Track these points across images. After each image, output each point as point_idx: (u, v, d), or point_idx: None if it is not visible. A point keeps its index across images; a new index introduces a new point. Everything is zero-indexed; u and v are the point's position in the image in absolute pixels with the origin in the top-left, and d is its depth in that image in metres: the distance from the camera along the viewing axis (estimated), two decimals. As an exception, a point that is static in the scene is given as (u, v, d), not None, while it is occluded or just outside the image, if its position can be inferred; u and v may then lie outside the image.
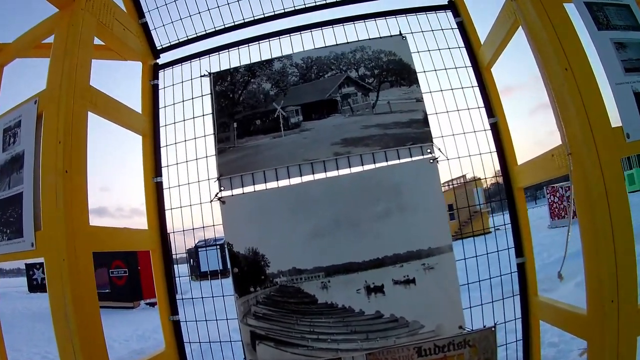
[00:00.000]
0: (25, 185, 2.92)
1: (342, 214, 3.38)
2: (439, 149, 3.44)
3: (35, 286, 30.62)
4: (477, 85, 3.72)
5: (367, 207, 3.37)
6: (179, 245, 3.63)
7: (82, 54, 3.01)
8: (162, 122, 4.03)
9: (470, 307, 3.43)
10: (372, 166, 3.46)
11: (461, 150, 3.56)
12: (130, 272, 18.05)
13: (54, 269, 2.64)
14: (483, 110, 3.69)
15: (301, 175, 3.50)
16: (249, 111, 3.69)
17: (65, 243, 2.63)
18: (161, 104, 4.07)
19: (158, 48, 4.20)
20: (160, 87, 4.12)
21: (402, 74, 3.61)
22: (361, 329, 3.28)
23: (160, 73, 4.16)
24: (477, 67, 3.73)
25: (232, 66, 3.87)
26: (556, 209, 23.19)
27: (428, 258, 3.30)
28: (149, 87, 4.11)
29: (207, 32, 4.09)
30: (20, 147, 3.03)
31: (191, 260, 22.65)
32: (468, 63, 3.75)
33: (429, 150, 3.45)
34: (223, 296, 3.60)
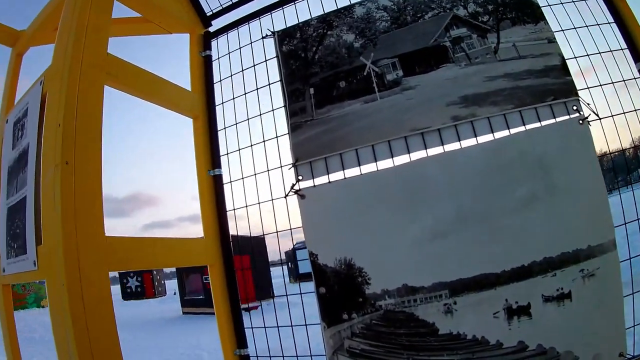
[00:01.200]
0: (28, 186, 2.26)
1: (470, 204, 2.27)
2: (588, 104, 2.32)
3: (130, 294, 31.32)
4: (613, 21, 2.56)
5: (504, 191, 2.27)
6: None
7: (96, 14, 2.25)
8: (217, 100, 3.08)
9: (634, 325, 2.32)
10: (505, 132, 2.36)
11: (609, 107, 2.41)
12: None
13: (54, 298, 1.85)
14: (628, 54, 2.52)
15: (409, 152, 2.41)
16: (328, 71, 2.65)
17: (63, 261, 1.80)
18: (215, 78, 3.13)
19: (208, 14, 3.26)
20: (213, 59, 3.18)
21: (524, 9, 2.52)
22: (501, 368, 2.17)
23: (213, 42, 3.22)
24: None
25: (300, 21, 2.86)
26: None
27: (588, 261, 2.18)
28: (199, 60, 3.16)
29: (267, -15, 3.07)
30: (25, 140, 2.36)
31: (289, 262, 22.26)
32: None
33: (575, 107, 2.33)
34: (306, 325, 2.52)
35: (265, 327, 2.66)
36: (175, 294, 24.41)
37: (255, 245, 2.78)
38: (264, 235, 2.68)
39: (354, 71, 2.59)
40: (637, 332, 2.29)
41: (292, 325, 2.54)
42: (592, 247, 2.17)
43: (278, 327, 2.60)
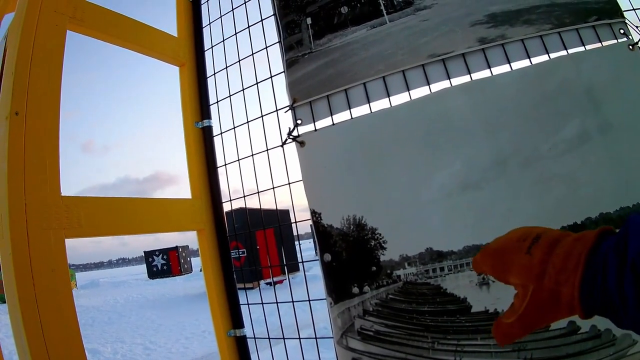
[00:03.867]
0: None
1: (507, 145, 1.74)
2: (637, 27, 1.80)
3: (155, 273, 31.61)
4: None
5: (549, 129, 1.73)
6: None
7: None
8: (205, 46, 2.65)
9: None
10: (542, 58, 1.82)
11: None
12: (248, 252, 17.29)
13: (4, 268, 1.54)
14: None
15: (428, 83, 1.88)
16: (328, -3, 2.13)
17: (8, 224, 1.48)
18: (203, 22, 2.70)
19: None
20: (202, 2, 2.73)
21: None
22: (545, 354, 1.66)
23: None
24: None
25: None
26: None
27: None
28: (186, 4, 2.71)
29: None
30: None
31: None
32: None
33: (622, 31, 1.80)
34: (309, 300, 2.06)
35: (262, 304, 2.20)
36: (201, 270, 24.37)
37: (279, 219, 2.34)
38: (259, 191, 2.21)
39: (358, -6, 2.07)
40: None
41: (292, 301, 2.08)
42: (656, 201, 1.64)
43: (277, 302, 2.14)
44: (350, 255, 1.89)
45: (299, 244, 2.59)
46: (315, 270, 2.31)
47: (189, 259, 34.00)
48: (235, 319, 2.29)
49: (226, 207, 2.41)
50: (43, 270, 1.51)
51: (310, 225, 2.04)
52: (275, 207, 2.19)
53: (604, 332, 1.61)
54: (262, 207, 2.27)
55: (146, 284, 27.03)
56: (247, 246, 16.96)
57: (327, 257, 1.93)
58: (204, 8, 2.68)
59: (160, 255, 31.58)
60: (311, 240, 2.00)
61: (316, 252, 1.98)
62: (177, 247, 31.86)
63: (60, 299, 1.55)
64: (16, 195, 1.51)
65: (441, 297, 1.76)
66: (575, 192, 1.67)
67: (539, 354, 1.65)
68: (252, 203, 2.31)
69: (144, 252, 33.27)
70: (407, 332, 1.79)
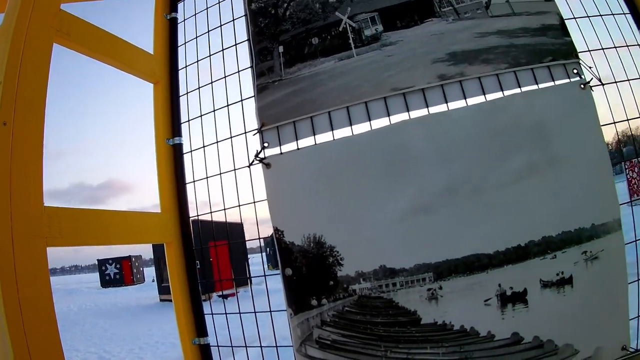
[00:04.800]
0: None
1: (459, 174, 1.95)
2: (590, 68, 2.03)
3: (108, 281, 30.92)
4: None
5: (498, 160, 1.95)
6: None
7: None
8: (180, 64, 2.74)
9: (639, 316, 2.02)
10: (497, 95, 2.04)
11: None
12: (202, 264, 17.12)
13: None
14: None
15: (389, 115, 2.07)
16: (300, 28, 2.29)
17: None
18: (179, 41, 2.79)
19: (175, -26, 2.87)
20: (179, 21, 2.82)
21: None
22: (489, 363, 1.85)
23: (179, 5, 2.85)
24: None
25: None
26: (635, 185, 20.16)
27: (591, 242, 1.90)
28: (163, 22, 2.80)
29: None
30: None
31: (267, 249, 21.83)
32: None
33: (575, 71, 2.03)
34: (270, 312, 2.20)
35: (226, 314, 2.33)
36: (153, 281, 24.00)
37: (232, 231, 2.46)
38: (225, 208, 2.34)
39: (328, 27, 2.25)
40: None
41: (255, 312, 2.21)
42: (596, 226, 1.90)
43: (240, 313, 2.27)
44: (310, 271, 2.04)
45: (262, 257, 2.71)
46: (264, 285, 2.44)
47: (141, 269, 33.38)
48: (200, 328, 2.40)
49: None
50: (26, 277, 1.56)
51: (264, 239, 2.16)
52: (228, 221, 2.33)
53: (546, 343, 1.84)
54: (213, 221, 2.40)
55: (99, 293, 26.48)
56: (199, 258, 16.86)
57: (288, 271, 2.07)
58: (180, 27, 2.78)
59: (114, 264, 30.92)
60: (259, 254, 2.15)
61: (268, 266, 2.12)
62: (130, 256, 31.31)
63: (42, 304, 1.62)
64: (2, 203, 1.56)
65: (393, 309, 1.94)
66: (520, 218, 1.91)
67: (486, 363, 1.85)
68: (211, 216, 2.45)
69: (98, 260, 32.54)
70: (362, 341, 1.96)
